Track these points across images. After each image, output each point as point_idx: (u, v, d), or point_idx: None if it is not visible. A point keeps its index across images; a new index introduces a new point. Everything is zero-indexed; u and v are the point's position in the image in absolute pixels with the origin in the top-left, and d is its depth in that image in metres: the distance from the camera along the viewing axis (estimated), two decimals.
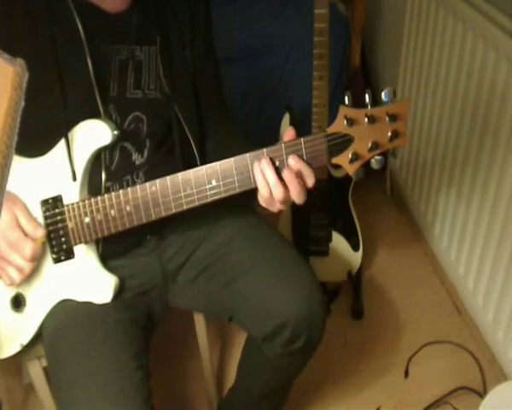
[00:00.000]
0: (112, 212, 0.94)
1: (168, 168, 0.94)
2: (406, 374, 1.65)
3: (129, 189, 0.93)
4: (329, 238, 1.75)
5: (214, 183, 0.90)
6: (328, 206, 1.70)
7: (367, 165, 0.91)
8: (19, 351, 1.04)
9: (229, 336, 1.76)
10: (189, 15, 1.09)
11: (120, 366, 0.97)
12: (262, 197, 0.90)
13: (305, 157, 0.88)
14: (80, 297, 1.02)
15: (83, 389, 0.94)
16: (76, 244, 0.97)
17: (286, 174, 0.87)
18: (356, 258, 1.78)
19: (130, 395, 0.95)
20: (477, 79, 1.50)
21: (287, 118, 1.68)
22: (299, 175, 0.88)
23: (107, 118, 0.99)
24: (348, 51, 2.05)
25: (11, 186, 0.95)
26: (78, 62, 0.97)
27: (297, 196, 0.89)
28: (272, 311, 1.05)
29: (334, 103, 2.03)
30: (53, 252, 0.98)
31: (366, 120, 0.86)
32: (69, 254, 0.98)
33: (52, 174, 0.97)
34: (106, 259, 1.04)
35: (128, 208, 0.93)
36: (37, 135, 0.92)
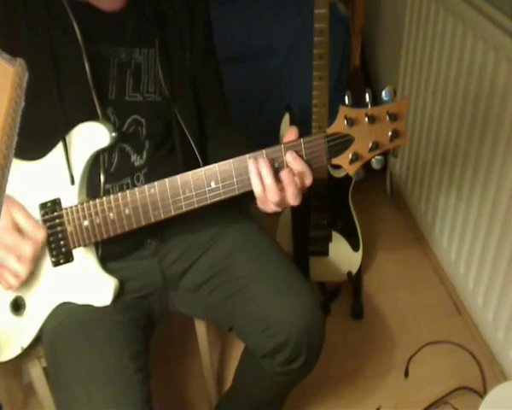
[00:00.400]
0: (111, 215, 0.94)
1: (168, 170, 0.93)
2: (406, 374, 1.65)
3: (127, 191, 0.92)
4: (329, 238, 1.75)
5: (213, 185, 0.89)
6: (328, 206, 1.70)
7: (367, 165, 0.91)
8: (19, 354, 1.04)
9: (229, 336, 1.75)
10: (187, 16, 1.08)
11: (120, 366, 0.97)
12: (256, 196, 0.90)
13: (304, 158, 0.88)
14: (80, 300, 1.02)
15: (82, 389, 0.94)
16: (75, 247, 0.97)
17: (284, 175, 0.87)
18: (356, 258, 1.78)
19: (130, 395, 0.95)
20: (477, 79, 1.50)
21: (287, 118, 1.68)
22: (297, 174, 0.87)
23: (106, 120, 0.99)
24: (348, 51, 2.05)
25: (9, 189, 0.95)
26: (75, 63, 0.96)
27: (293, 198, 0.88)
28: (273, 329, 1.04)
29: (334, 103, 2.02)
30: (52, 255, 0.97)
31: (366, 119, 0.85)
32: (68, 258, 0.98)
33: (50, 177, 0.97)
34: (105, 261, 1.04)
35: (127, 211, 0.93)
36: (35, 136, 0.92)
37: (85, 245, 0.97)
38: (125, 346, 1.00)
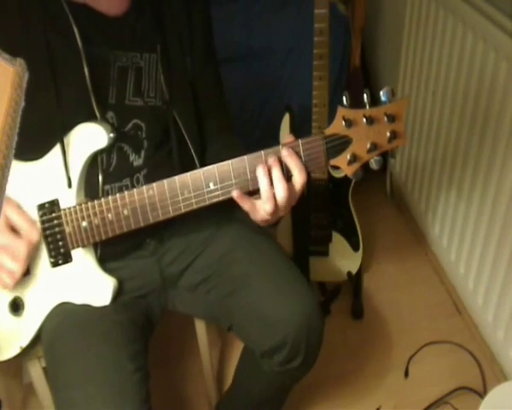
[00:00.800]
0: (109, 216, 0.93)
1: (168, 172, 0.93)
2: (406, 374, 1.65)
3: (126, 192, 0.92)
4: (329, 238, 1.75)
5: (212, 186, 0.89)
6: (328, 206, 1.70)
7: (366, 165, 0.90)
8: (18, 353, 1.04)
9: (229, 336, 1.75)
10: (186, 16, 1.07)
11: (118, 366, 0.97)
12: (263, 200, 0.88)
13: (303, 159, 0.88)
14: (79, 300, 1.02)
15: (80, 389, 0.94)
16: (73, 248, 0.97)
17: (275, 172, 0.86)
18: (356, 258, 1.78)
19: (128, 395, 0.95)
20: (477, 79, 1.50)
21: (287, 118, 1.68)
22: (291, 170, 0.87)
23: (104, 121, 0.98)
24: (348, 51, 2.05)
25: (7, 189, 0.94)
26: (74, 66, 0.96)
27: (281, 195, 0.88)
28: (272, 328, 1.04)
29: (334, 103, 2.02)
30: (51, 256, 0.97)
31: (364, 120, 0.85)
32: (67, 258, 0.98)
33: (48, 178, 0.97)
34: (104, 260, 1.04)
35: (125, 212, 0.93)
36: (33, 137, 0.90)
37: (84, 246, 0.97)
38: (123, 346, 1.00)
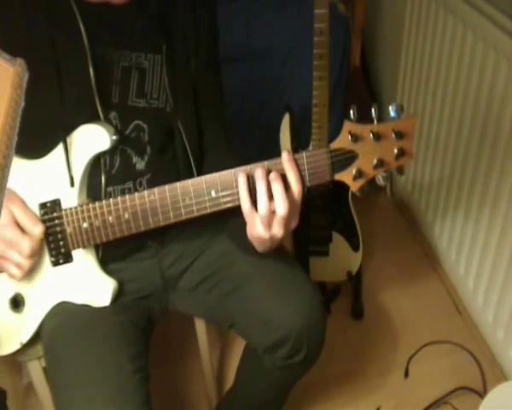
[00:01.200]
0: (110, 218, 0.93)
1: (172, 177, 0.92)
2: (406, 374, 1.65)
3: (127, 196, 0.92)
4: (330, 239, 1.75)
5: (214, 194, 0.88)
6: (328, 206, 1.70)
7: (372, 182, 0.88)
8: (19, 349, 1.04)
9: (229, 336, 1.75)
10: (191, 17, 1.06)
11: (118, 367, 0.97)
12: (260, 215, 0.86)
13: (306, 172, 0.86)
14: (79, 300, 1.02)
15: (80, 390, 0.94)
16: (74, 249, 0.97)
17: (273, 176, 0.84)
18: (356, 258, 1.78)
19: (128, 396, 0.95)
20: (477, 79, 1.50)
21: (287, 118, 1.68)
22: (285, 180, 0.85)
23: (107, 123, 0.98)
24: (348, 51, 2.05)
25: (10, 186, 0.94)
26: (78, 65, 0.95)
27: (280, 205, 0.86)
28: (274, 324, 1.04)
29: (334, 103, 2.03)
30: (51, 255, 0.97)
31: (371, 136, 0.83)
32: (67, 258, 0.98)
33: (51, 177, 0.97)
34: (106, 262, 1.04)
35: (126, 216, 0.92)
36: (36, 136, 0.91)
37: (84, 247, 0.97)
38: (123, 347, 1.00)
